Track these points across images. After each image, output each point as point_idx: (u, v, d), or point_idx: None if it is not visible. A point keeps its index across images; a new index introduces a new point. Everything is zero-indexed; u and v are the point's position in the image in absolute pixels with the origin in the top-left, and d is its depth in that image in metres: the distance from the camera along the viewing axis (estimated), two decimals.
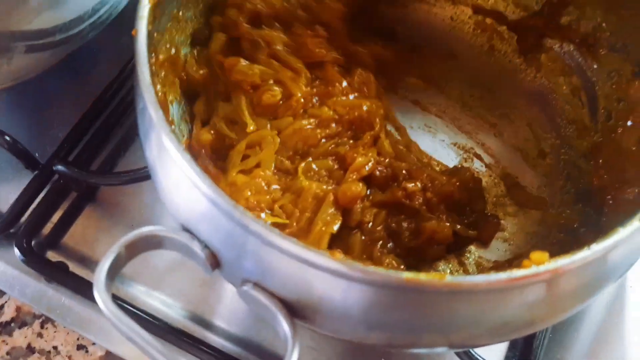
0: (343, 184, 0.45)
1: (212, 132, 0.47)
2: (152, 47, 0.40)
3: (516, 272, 0.29)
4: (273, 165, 0.45)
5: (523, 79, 0.54)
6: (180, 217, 0.35)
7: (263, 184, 0.43)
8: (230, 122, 0.48)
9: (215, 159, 0.46)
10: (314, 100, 0.49)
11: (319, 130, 0.48)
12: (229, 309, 0.49)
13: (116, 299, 0.49)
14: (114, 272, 0.33)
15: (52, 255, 0.52)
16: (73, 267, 0.51)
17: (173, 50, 0.46)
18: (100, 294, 0.32)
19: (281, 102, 0.48)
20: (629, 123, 0.44)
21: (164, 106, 0.43)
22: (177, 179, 0.34)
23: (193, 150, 0.46)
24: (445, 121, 0.53)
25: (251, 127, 0.47)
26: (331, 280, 0.31)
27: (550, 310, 0.35)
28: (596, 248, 0.30)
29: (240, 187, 0.42)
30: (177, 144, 0.33)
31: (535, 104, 0.53)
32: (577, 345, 0.48)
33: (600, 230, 0.42)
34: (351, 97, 0.50)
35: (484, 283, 0.29)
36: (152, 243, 0.35)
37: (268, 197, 0.43)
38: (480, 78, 0.54)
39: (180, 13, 0.47)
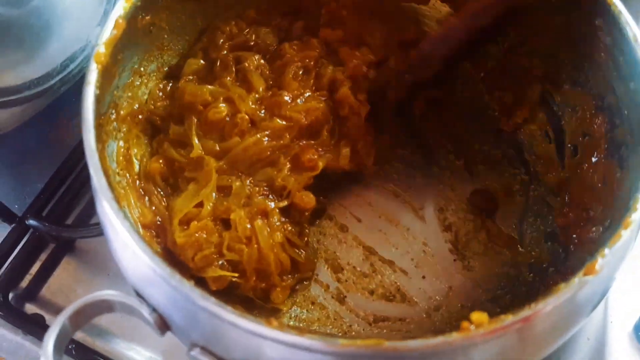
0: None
1: (160, 160, 0.47)
2: (104, 108, 0.40)
3: (454, 335, 0.29)
4: (214, 195, 0.45)
5: (490, 115, 0.53)
6: (129, 280, 0.36)
7: (204, 235, 0.43)
8: (180, 145, 0.47)
9: (166, 189, 0.46)
10: (261, 114, 0.48)
11: (272, 143, 0.47)
12: None
13: (93, 354, 0.49)
14: (62, 343, 0.33)
15: (30, 308, 0.52)
16: (50, 319, 0.52)
17: (136, 105, 0.47)
18: None
19: (227, 119, 0.47)
20: (594, 159, 0.44)
21: (127, 161, 0.44)
22: (123, 247, 0.34)
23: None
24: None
25: (198, 151, 0.46)
26: (272, 346, 0.30)
27: (518, 356, 0.34)
28: (538, 306, 0.30)
29: (184, 247, 0.42)
30: (118, 213, 0.33)
31: (504, 139, 0.52)
32: None
33: (567, 270, 0.41)
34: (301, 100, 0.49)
35: (421, 346, 0.29)
36: (101, 308, 0.35)
37: (213, 249, 0.43)
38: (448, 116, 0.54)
39: (142, 68, 0.47)
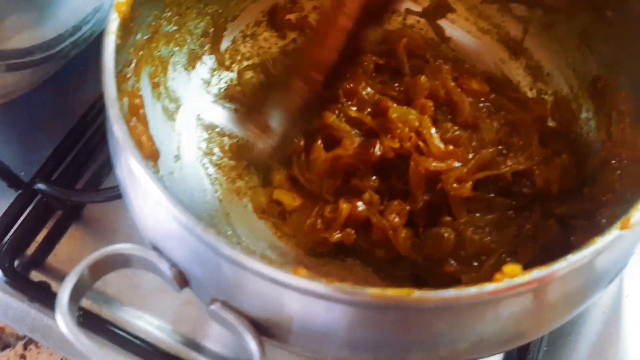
0: None
1: None
2: (120, 65, 0.39)
3: (488, 286, 0.28)
4: None
5: None
6: (148, 235, 0.35)
7: None
8: None
9: None
10: None
11: None
12: (218, 330, 0.48)
13: (101, 321, 0.48)
14: (78, 294, 0.32)
15: (36, 275, 0.52)
16: (56, 287, 0.51)
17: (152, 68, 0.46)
18: (63, 317, 0.31)
19: None
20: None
21: (139, 118, 0.43)
22: (145, 198, 0.33)
23: None
24: None
25: None
26: (298, 298, 0.30)
27: (535, 321, 0.34)
28: (572, 259, 0.29)
29: None
30: (142, 163, 0.32)
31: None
32: (574, 357, 0.47)
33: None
34: None
35: (453, 297, 0.28)
36: (119, 262, 0.34)
37: None
38: None
39: (159, 28, 0.46)
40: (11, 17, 0.47)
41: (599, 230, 0.31)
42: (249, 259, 0.29)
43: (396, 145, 0.45)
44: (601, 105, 0.46)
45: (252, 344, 0.31)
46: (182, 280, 0.34)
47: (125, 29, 0.38)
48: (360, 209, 0.44)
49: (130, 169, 0.33)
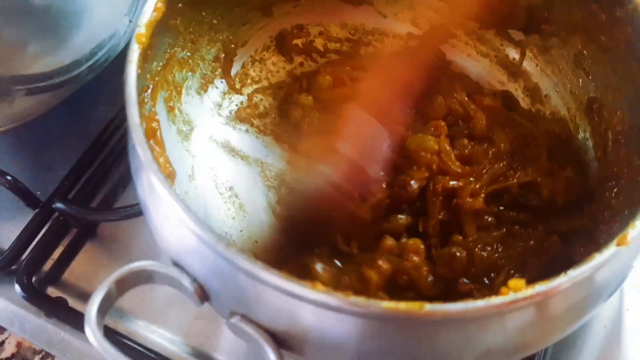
0: None
1: None
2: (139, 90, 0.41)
3: (495, 299, 0.30)
4: None
5: None
6: (170, 251, 0.36)
7: None
8: None
9: None
10: None
11: None
12: (229, 343, 0.50)
13: (116, 335, 0.50)
14: (105, 308, 0.34)
15: (52, 291, 0.53)
16: (72, 303, 0.52)
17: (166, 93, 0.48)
18: (92, 330, 0.33)
19: None
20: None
21: (156, 141, 0.45)
22: (166, 216, 0.35)
23: None
24: None
25: None
26: (314, 311, 0.31)
27: (539, 334, 0.35)
28: (572, 274, 0.31)
29: None
30: (164, 182, 0.34)
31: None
32: None
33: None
34: None
35: (462, 311, 0.30)
36: (142, 278, 0.36)
37: None
38: None
39: (175, 55, 0.48)
40: (33, 44, 0.49)
41: (598, 246, 0.33)
42: (268, 274, 0.31)
43: (425, 174, 0.46)
44: (597, 126, 0.49)
45: (271, 357, 0.33)
46: (203, 294, 0.35)
47: (145, 58, 0.41)
48: (384, 267, 0.43)
49: (152, 188, 0.35)
